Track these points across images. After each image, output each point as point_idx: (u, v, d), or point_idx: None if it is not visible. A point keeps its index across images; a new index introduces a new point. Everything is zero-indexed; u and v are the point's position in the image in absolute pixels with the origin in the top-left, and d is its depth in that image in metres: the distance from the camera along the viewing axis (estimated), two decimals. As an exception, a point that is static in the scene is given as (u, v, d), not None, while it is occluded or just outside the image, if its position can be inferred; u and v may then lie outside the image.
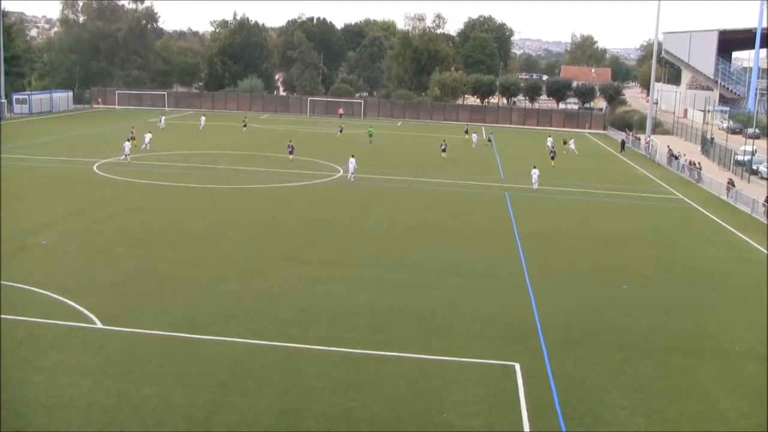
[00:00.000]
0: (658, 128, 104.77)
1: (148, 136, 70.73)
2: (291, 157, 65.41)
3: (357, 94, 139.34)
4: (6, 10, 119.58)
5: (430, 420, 19.74)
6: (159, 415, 19.32)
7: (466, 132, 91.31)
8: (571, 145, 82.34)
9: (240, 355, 23.32)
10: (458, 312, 28.22)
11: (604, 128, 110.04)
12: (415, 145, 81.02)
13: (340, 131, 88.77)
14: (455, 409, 20.31)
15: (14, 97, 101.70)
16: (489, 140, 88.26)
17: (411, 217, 44.71)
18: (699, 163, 67.38)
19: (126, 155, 61.95)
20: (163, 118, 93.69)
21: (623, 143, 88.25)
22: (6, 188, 47.94)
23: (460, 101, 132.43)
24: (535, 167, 57.78)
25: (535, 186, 56.27)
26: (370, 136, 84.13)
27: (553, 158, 70.47)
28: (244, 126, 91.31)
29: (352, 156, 58.53)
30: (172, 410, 19.57)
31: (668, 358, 24.74)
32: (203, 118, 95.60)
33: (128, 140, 64.98)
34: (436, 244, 38.40)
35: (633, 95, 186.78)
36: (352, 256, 35.61)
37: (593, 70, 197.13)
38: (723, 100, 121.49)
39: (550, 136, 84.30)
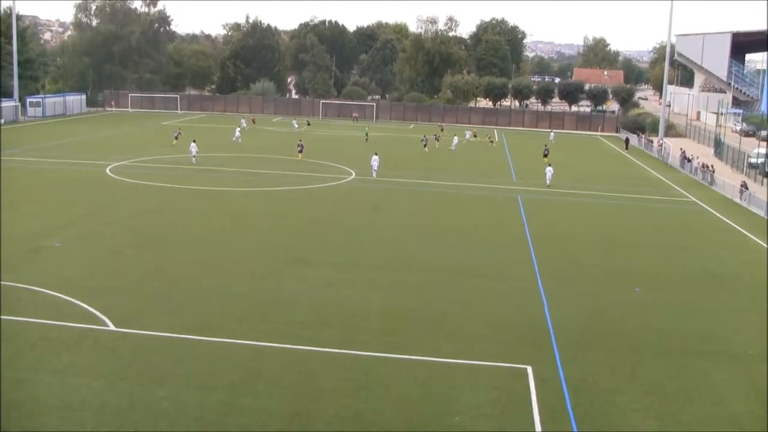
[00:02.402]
0: (671, 131, 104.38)
1: (237, 131, 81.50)
2: (300, 156, 67.18)
3: (369, 97, 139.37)
4: (20, 13, 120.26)
5: (441, 422, 19.71)
6: (171, 416, 19.36)
7: (442, 130, 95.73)
8: (453, 139, 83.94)
9: (251, 357, 23.35)
10: (469, 314, 28.18)
11: (617, 131, 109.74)
12: (426, 148, 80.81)
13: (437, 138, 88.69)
14: (467, 412, 20.26)
15: (28, 100, 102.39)
16: (491, 141, 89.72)
17: (422, 219, 44.70)
18: (712, 166, 67.08)
19: (194, 156, 63.45)
20: (243, 121, 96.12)
21: (627, 141, 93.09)
22: (19, 191, 48.31)
23: (472, 104, 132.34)
24: (549, 165, 60.66)
25: (548, 183, 58.23)
26: (366, 135, 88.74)
27: (546, 156, 72.90)
28: (253, 122, 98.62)
29: (375, 154, 61.04)
30: (184, 412, 19.61)
31: (681, 360, 24.64)
32: (295, 120, 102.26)
33: (193, 141, 66.48)
34: (447, 246, 38.38)
35: (646, 97, 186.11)
36: (362, 259, 35.62)
37: (606, 73, 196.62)
38: (736, 102, 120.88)
39: (468, 130, 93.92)
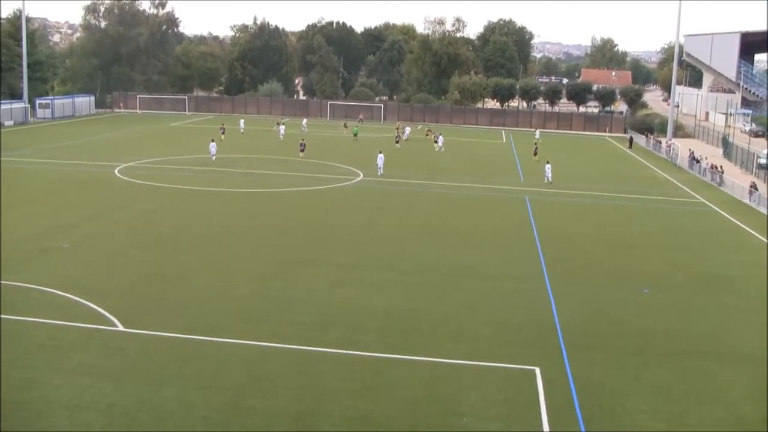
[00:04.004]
0: (680, 131, 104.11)
1: (282, 128, 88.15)
2: (302, 155, 68.74)
3: (377, 98, 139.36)
4: (29, 15, 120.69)
5: (447, 423, 19.70)
6: (177, 417, 19.41)
7: (397, 128, 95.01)
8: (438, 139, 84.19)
9: (257, 358, 23.40)
10: (476, 315, 28.16)
11: (625, 131, 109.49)
12: (432, 149, 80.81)
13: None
14: (473, 413, 20.25)
15: (37, 101, 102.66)
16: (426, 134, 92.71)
17: (427, 220, 44.66)
18: (721, 167, 66.89)
19: (213, 155, 65.11)
20: (242, 122, 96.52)
21: (631, 140, 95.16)
22: (28, 191, 48.58)
23: (479, 105, 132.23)
24: (548, 162, 62.17)
25: (547, 180, 60.14)
26: (355, 135, 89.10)
27: (535, 154, 74.85)
28: (278, 124, 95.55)
29: (380, 152, 62.50)
30: (190, 412, 19.66)
31: (688, 362, 24.58)
32: (305, 120, 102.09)
33: (212, 141, 68.07)
34: (452, 247, 38.36)
35: (653, 98, 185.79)
36: (367, 259, 35.61)
37: (614, 73, 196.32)
38: (745, 102, 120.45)
39: (408, 127, 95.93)
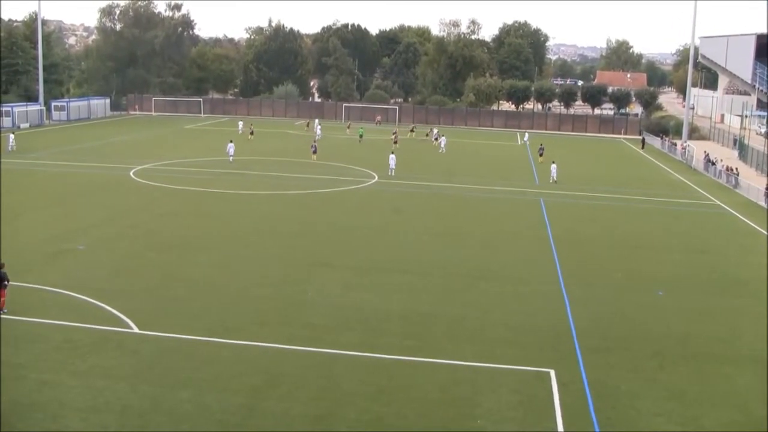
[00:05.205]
0: (695, 134, 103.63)
1: (318, 129, 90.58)
2: (314, 157, 69.62)
3: (392, 100, 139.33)
4: (45, 18, 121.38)
5: (462, 426, 19.68)
6: (193, 419, 19.46)
7: (412, 130, 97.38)
8: (441, 140, 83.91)
9: (273, 360, 23.43)
10: (491, 318, 28.13)
11: (640, 134, 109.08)
12: (436, 150, 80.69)
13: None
14: (488, 416, 20.22)
15: (53, 104, 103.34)
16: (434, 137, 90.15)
17: (443, 222, 44.64)
18: (736, 169, 66.57)
19: (231, 156, 66.14)
20: (241, 123, 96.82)
21: (644, 140, 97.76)
22: (44, 193, 48.91)
23: (494, 107, 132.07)
24: (553, 162, 63.58)
25: (553, 179, 61.34)
26: (360, 137, 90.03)
27: (541, 155, 75.52)
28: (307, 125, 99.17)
29: (392, 153, 64.80)
30: (206, 415, 19.70)
31: (703, 365, 24.46)
32: (317, 120, 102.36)
33: (230, 142, 68.64)
34: (467, 250, 38.31)
35: (669, 100, 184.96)
36: (383, 262, 35.62)
37: (629, 75, 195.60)
38: (760, 104, 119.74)
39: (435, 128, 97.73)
